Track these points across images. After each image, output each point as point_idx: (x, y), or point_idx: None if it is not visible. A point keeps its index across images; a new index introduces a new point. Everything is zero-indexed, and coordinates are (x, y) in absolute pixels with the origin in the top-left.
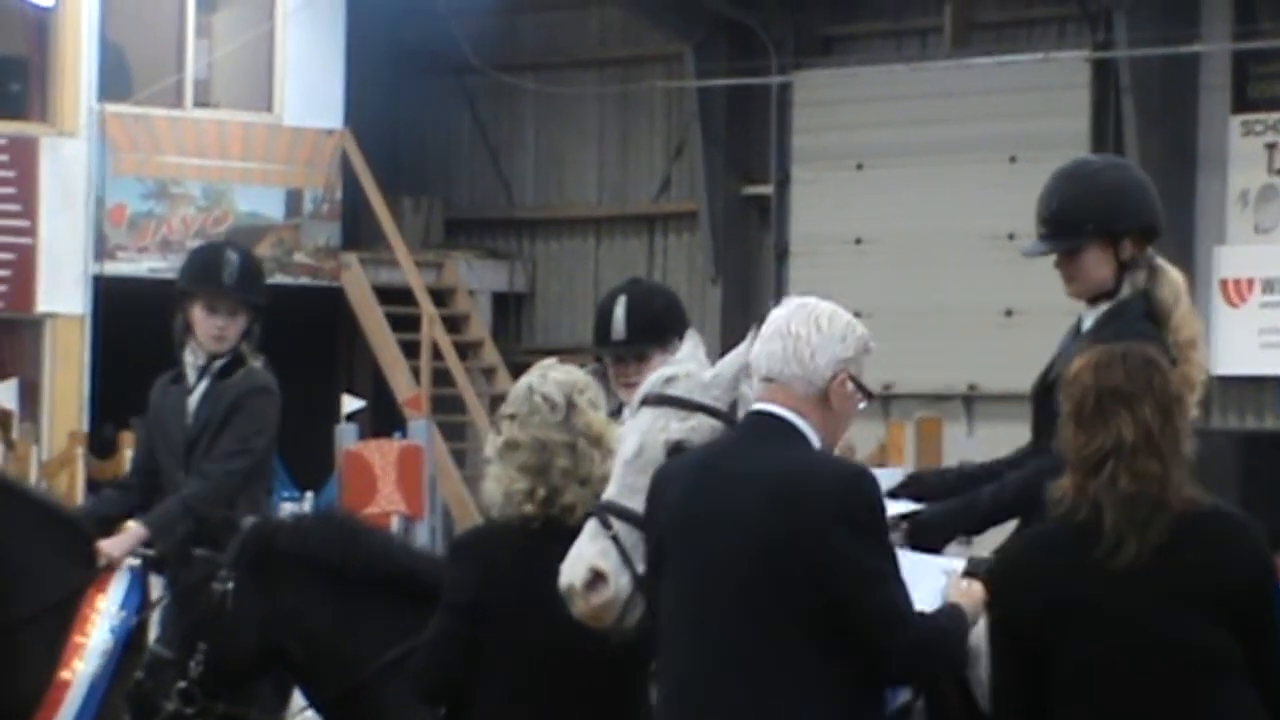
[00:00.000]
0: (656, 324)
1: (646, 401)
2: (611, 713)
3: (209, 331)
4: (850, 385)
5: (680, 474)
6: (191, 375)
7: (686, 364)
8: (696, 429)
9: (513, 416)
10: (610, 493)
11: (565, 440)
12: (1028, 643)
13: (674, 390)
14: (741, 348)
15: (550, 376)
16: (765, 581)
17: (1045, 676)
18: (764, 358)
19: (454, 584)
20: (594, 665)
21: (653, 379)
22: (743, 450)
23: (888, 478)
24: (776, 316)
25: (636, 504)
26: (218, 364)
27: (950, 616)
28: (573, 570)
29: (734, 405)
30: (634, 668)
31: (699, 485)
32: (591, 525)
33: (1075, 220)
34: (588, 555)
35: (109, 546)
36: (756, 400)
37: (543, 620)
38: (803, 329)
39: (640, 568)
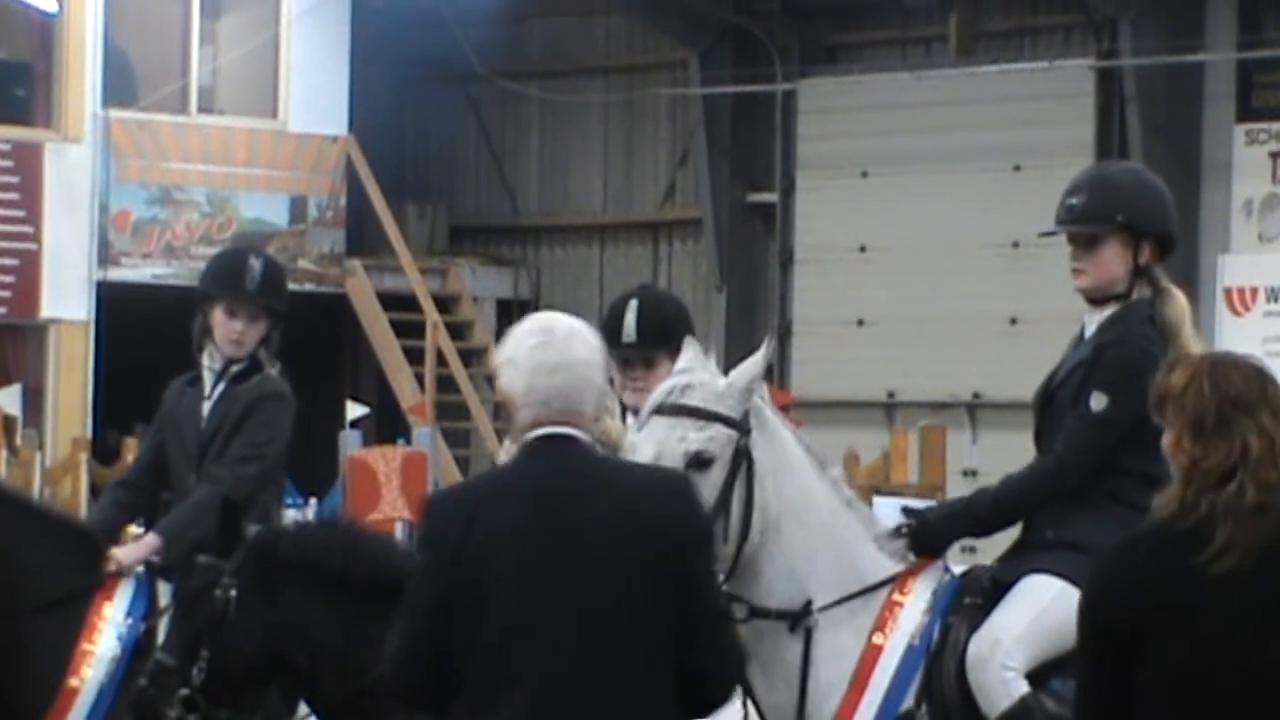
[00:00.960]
0: (666, 329)
1: (660, 411)
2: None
3: (228, 336)
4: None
5: (501, 499)
6: (208, 378)
7: (699, 373)
8: (714, 438)
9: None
10: None
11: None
12: (1119, 646)
13: (690, 400)
14: (756, 358)
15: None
16: (630, 597)
17: (1133, 683)
18: (556, 393)
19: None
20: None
21: (664, 388)
22: (573, 471)
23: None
24: (548, 345)
25: None
26: (235, 368)
27: None
28: None
29: (746, 415)
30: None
31: (535, 510)
32: None
33: (1106, 208)
34: None
35: (121, 554)
36: (536, 424)
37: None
38: (586, 353)
39: None
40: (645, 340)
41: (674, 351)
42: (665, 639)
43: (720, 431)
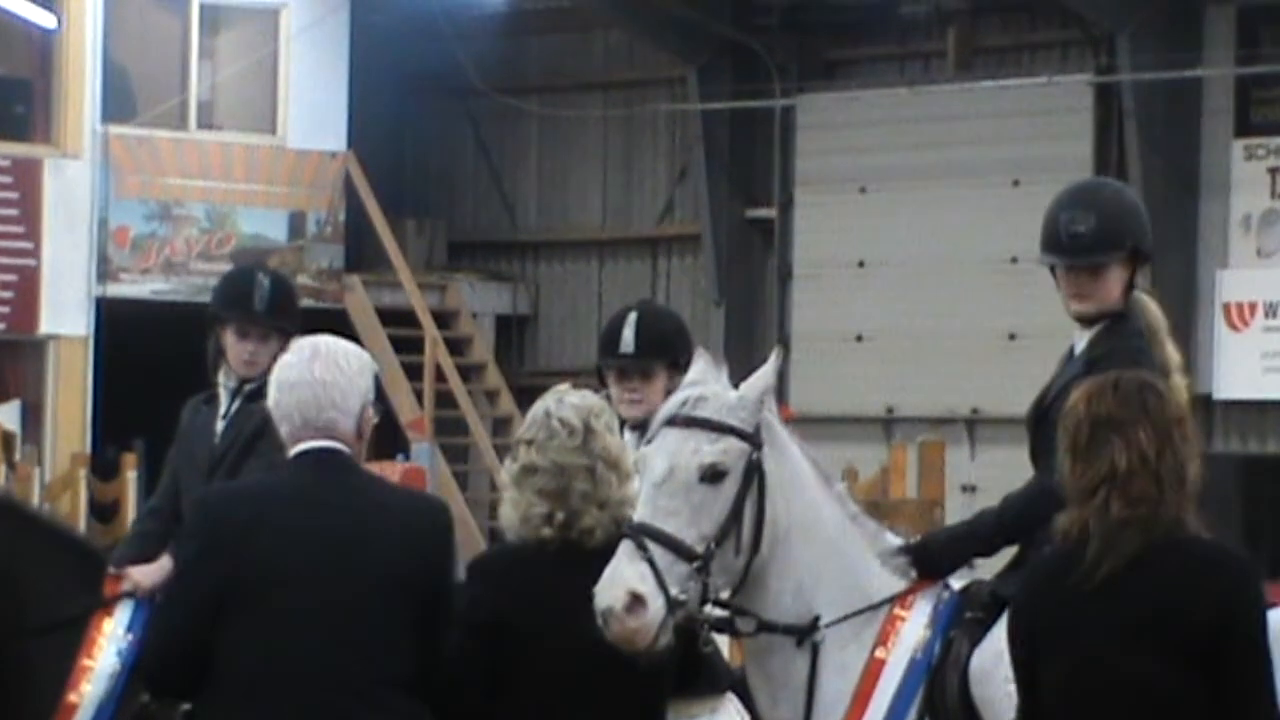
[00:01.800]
0: (664, 342)
1: (673, 422)
2: None
3: (240, 357)
4: (370, 412)
5: (262, 511)
6: (224, 397)
7: (712, 385)
8: (728, 451)
9: (530, 442)
10: (643, 515)
11: (584, 464)
12: (1026, 663)
13: (703, 412)
14: (767, 370)
15: (567, 401)
16: (382, 605)
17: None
18: (297, 407)
19: (472, 604)
20: (614, 686)
21: (677, 399)
22: (337, 484)
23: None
24: (293, 364)
25: (671, 527)
26: (249, 387)
27: None
28: (611, 593)
29: (759, 428)
30: (654, 688)
31: (306, 521)
32: (627, 547)
33: (1119, 235)
34: (626, 578)
35: (139, 575)
36: (292, 439)
37: (563, 641)
38: (327, 375)
39: (675, 591)
40: (643, 352)
41: (671, 365)
42: (409, 644)
43: (734, 444)
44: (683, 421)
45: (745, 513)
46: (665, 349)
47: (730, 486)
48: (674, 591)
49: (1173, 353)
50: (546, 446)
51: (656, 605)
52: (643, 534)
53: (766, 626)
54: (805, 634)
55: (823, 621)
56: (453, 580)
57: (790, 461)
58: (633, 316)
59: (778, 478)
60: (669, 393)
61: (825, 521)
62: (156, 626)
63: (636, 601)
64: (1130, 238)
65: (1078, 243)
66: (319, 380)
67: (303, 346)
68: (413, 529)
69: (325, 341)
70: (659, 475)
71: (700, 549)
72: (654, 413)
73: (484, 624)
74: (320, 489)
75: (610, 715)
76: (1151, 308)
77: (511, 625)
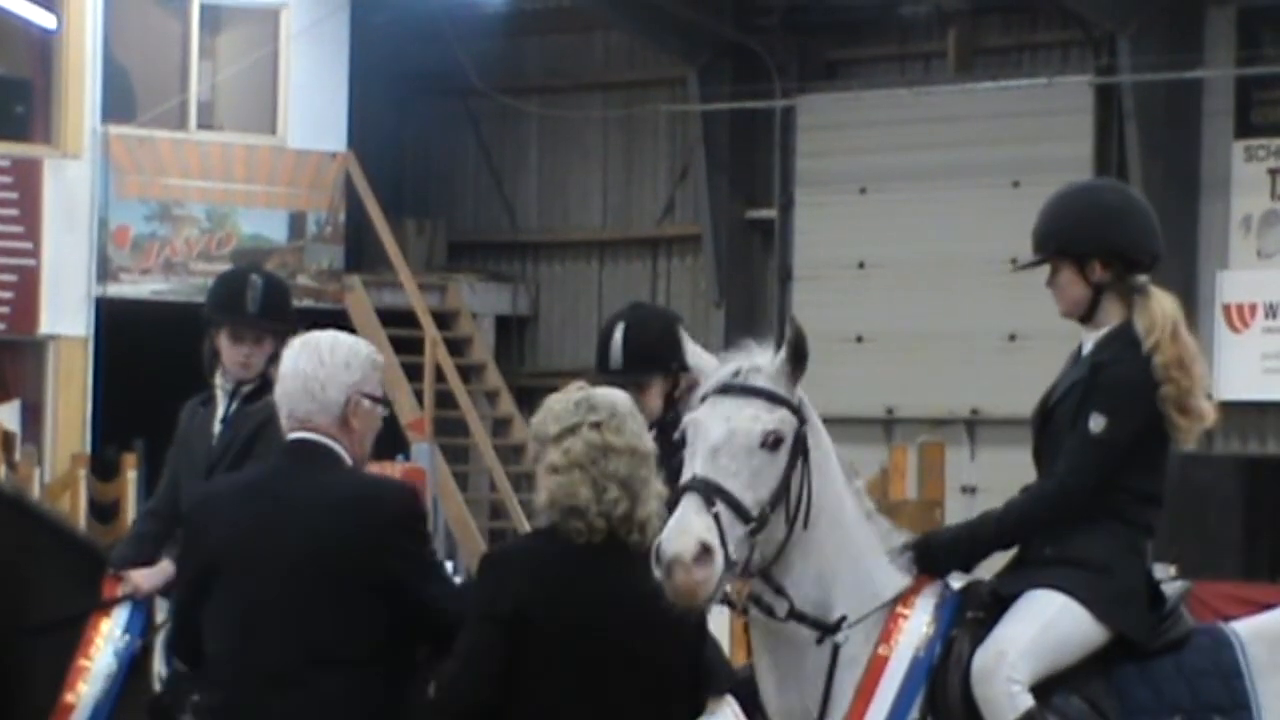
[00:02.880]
0: (653, 353)
1: (728, 390)
2: None
3: (234, 360)
4: (366, 403)
5: (227, 502)
6: (220, 399)
7: (762, 356)
8: (785, 421)
9: (598, 424)
10: (704, 470)
11: (646, 450)
12: None
13: (758, 381)
14: (781, 354)
15: (605, 391)
16: (332, 590)
17: None
18: (284, 399)
19: (491, 596)
20: (643, 677)
21: (730, 368)
22: (294, 475)
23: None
24: (285, 358)
25: (732, 487)
26: (245, 388)
27: None
28: (681, 541)
29: (801, 403)
30: (683, 678)
31: (255, 510)
32: (694, 499)
33: (1043, 239)
34: (696, 528)
35: (139, 578)
36: (291, 432)
37: (592, 633)
38: (308, 366)
39: (731, 550)
40: (632, 367)
41: (665, 372)
42: (345, 623)
43: (788, 416)
44: (739, 390)
45: (794, 484)
46: (654, 360)
47: (783, 456)
48: (730, 550)
49: (1170, 347)
50: (622, 428)
51: (720, 560)
52: (711, 490)
53: (796, 615)
54: (829, 631)
55: (837, 613)
56: (426, 560)
57: (824, 445)
58: (619, 331)
59: (816, 457)
60: (668, 395)
61: (847, 512)
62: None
63: (705, 552)
64: (1054, 240)
65: (1034, 244)
66: (300, 373)
67: (300, 343)
68: (363, 513)
69: (319, 335)
70: (719, 438)
71: (756, 513)
72: (651, 421)
73: (502, 615)
74: (275, 480)
75: (639, 705)
76: (1149, 308)
77: (537, 617)
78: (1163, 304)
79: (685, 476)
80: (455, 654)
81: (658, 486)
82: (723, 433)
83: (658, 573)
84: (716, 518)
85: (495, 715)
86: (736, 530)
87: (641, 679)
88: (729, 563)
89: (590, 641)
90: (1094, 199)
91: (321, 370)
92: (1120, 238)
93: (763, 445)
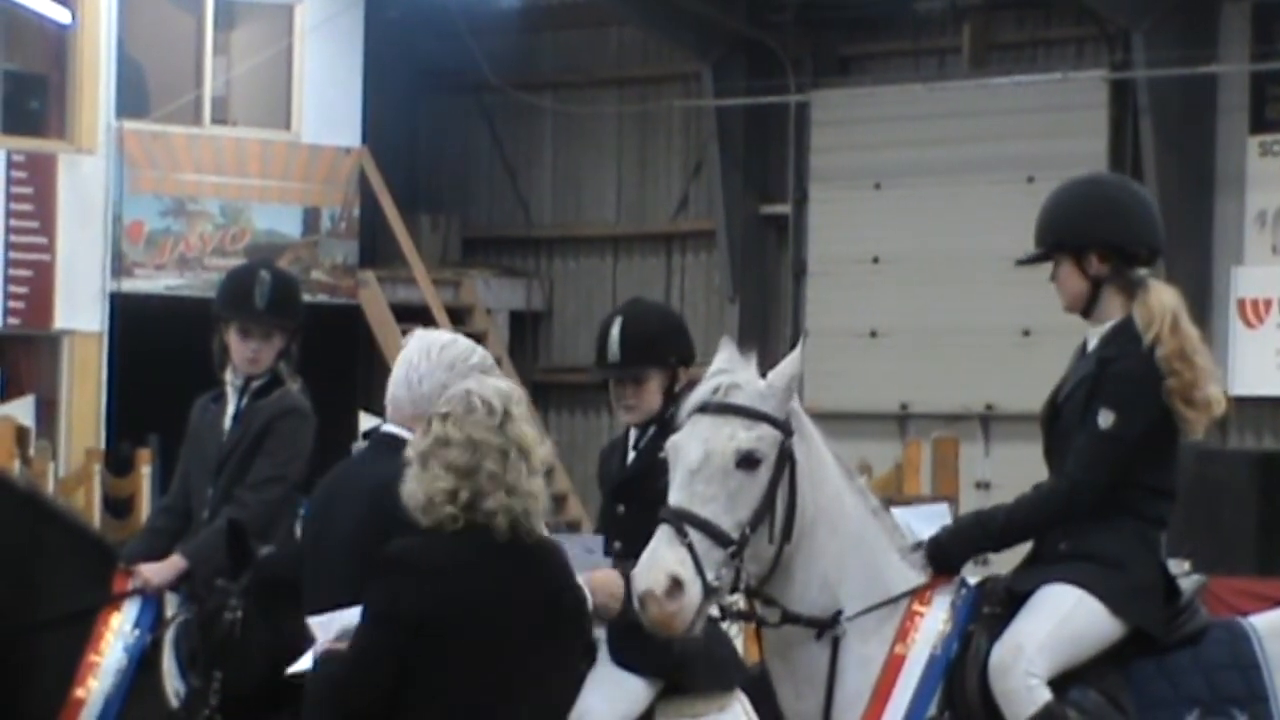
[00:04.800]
0: (651, 347)
1: (706, 409)
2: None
3: (243, 355)
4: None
5: (320, 488)
6: (230, 395)
7: (742, 373)
8: (763, 438)
9: (445, 416)
10: (680, 500)
11: (498, 444)
12: None
13: (736, 399)
14: (794, 358)
15: (489, 383)
16: (340, 578)
17: None
18: (391, 382)
19: (388, 596)
20: (528, 681)
21: (708, 386)
22: (364, 464)
23: (937, 515)
24: (406, 344)
25: (708, 512)
26: (255, 384)
27: None
28: (651, 576)
29: (789, 416)
30: (568, 684)
31: (327, 496)
32: (666, 531)
33: (1041, 233)
34: (667, 562)
35: (149, 573)
36: (389, 416)
37: (478, 636)
38: (414, 357)
39: (711, 577)
40: (630, 360)
41: (663, 366)
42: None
43: (768, 432)
44: (716, 408)
45: (778, 500)
46: (652, 353)
47: (764, 473)
48: (710, 577)
49: (1171, 340)
50: (464, 421)
51: (695, 590)
52: (682, 519)
53: (791, 618)
54: (827, 627)
55: (845, 615)
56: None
57: (816, 452)
58: (616, 326)
59: (806, 467)
60: (666, 392)
61: (849, 514)
62: None
63: (676, 586)
64: (1049, 235)
65: (1035, 239)
66: (406, 360)
67: (420, 331)
68: (377, 505)
69: (438, 333)
70: (695, 461)
71: (736, 535)
72: (650, 416)
73: (399, 616)
74: (338, 472)
75: (524, 709)
76: (1148, 301)
77: (428, 619)
78: (1161, 297)
79: (663, 507)
80: (349, 654)
81: (524, 483)
82: (699, 455)
83: (635, 605)
84: (690, 548)
85: (391, 711)
86: (716, 555)
87: (540, 674)
88: (710, 589)
89: (487, 640)
90: (1091, 192)
91: (424, 364)
92: (1116, 231)
93: (739, 465)
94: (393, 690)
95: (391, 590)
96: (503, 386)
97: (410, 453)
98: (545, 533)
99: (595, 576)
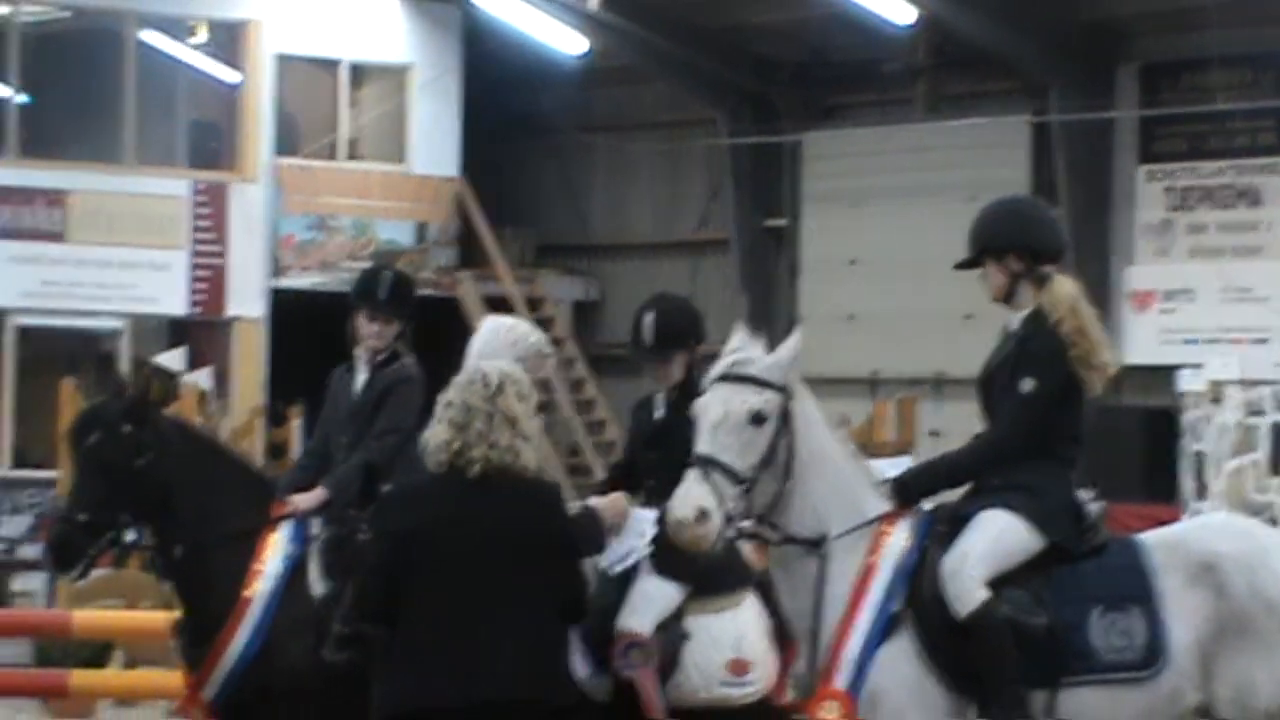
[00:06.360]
0: (677, 333)
1: (725, 378)
2: (533, 609)
3: (369, 335)
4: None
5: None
6: (359, 366)
7: (752, 350)
8: (769, 401)
9: (456, 384)
10: (704, 448)
11: (485, 410)
12: None
13: (749, 370)
14: (793, 340)
15: (496, 365)
16: None
17: None
18: (468, 355)
19: (381, 518)
20: (509, 589)
21: (727, 360)
22: None
23: (901, 465)
24: (481, 326)
25: (726, 458)
26: (378, 358)
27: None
28: (683, 508)
29: (788, 384)
30: (551, 592)
31: None
32: (694, 473)
33: (973, 240)
34: (695, 496)
35: (300, 501)
36: None
37: (452, 545)
38: (488, 334)
39: (729, 508)
40: (661, 345)
41: (684, 349)
42: None
43: (773, 396)
44: (733, 378)
45: (780, 448)
46: (677, 339)
47: (770, 428)
48: (728, 508)
49: (1071, 319)
50: (465, 390)
51: (717, 518)
52: (706, 464)
53: (789, 539)
54: (816, 545)
55: (830, 536)
56: None
57: (809, 411)
58: (649, 317)
59: (801, 423)
60: (687, 365)
61: (833, 458)
62: None
63: (703, 515)
64: (980, 241)
65: (969, 245)
66: (481, 337)
67: (491, 316)
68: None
69: (506, 318)
70: (716, 418)
71: (748, 476)
72: (676, 383)
73: (388, 534)
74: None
75: (498, 618)
76: (1054, 290)
77: (406, 536)
78: (1064, 286)
79: (692, 453)
80: (363, 567)
81: (504, 440)
82: (719, 414)
83: (670, 530)
84: (713, 486)
85: (395, 617)
86: (732, 491)
87: (503, 584)
88: (727, 517)
89: (459, 548)
90: (1009, 208)
91: (495, 341)
92: (1028, 237)
93: (751, 422)
94: (392, 596)
95: (384, 514)
96: (505, 369)
97: (436, 410)
98: (538, 478)
99: (604, 501)
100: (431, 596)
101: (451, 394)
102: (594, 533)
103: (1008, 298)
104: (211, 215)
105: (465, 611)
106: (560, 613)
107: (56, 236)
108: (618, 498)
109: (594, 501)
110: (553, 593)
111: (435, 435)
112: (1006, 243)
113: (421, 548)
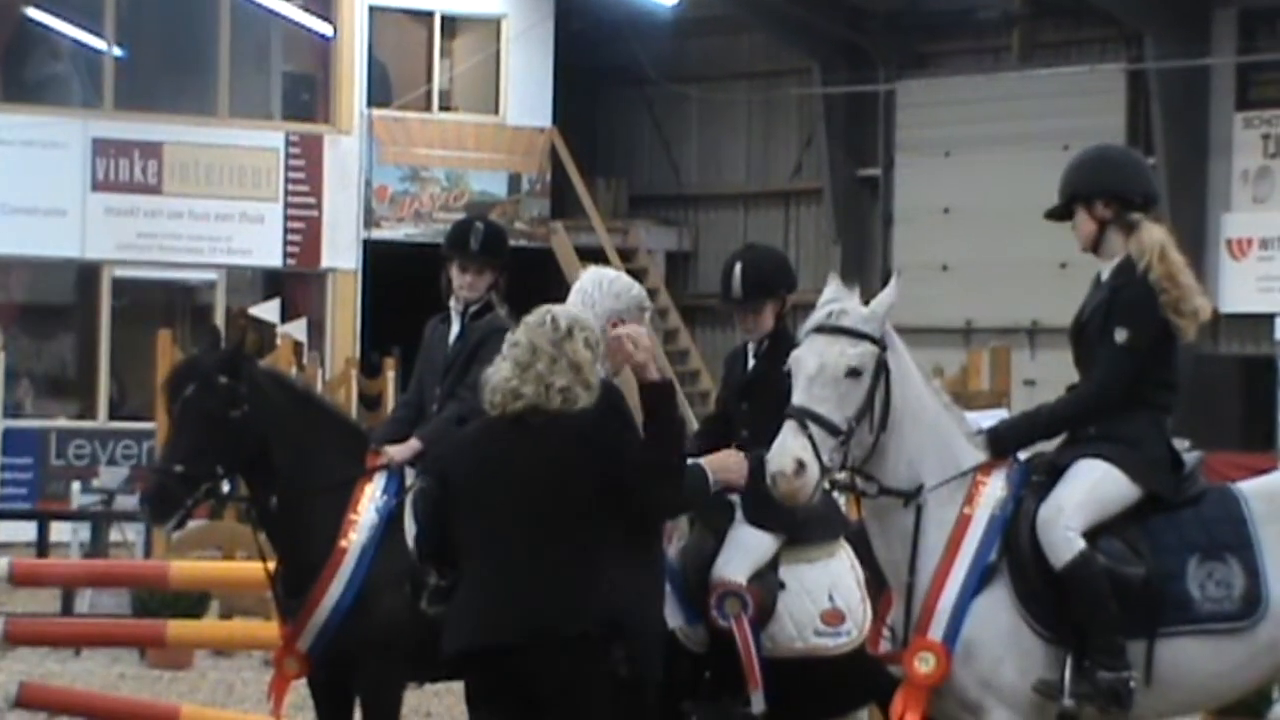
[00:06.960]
0: (766, 283)
1: (821, 330)
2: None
3: (462, 285)
4: (619, 329)
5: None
6: (454, 317)
7: (848, 301)
8: (864, 354)
9: (526, 324)
10: (801, 400)
11: (550, 353)
12: None
13: (845, 322)
14: (890, 290)
15: (567, 311)
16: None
17: None
18: (567, 304)
19: (433, 463)
20: (554, 526)
21: (822, 312)
22: None
23: (996, 416)
24: (581, 276)
25: (823, 410)
26: (472, 308)
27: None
28: (781, 459)
29: (884, 335)
30: (599, 531)
31: None
32: (791, 425)
33: (1062, 188)
34: (793, 448)
35: (394, 452)
36: None
37: (491, 490)
38: (589, 287)
39: (825, 460)
40: (750, 295)
41: (773, 298)
42: None
43: (868, 348)
44: (829, 330)
45: (876, 400)
46: (766, 289)
47: (865, 380)
48: (825, 460)
49: (1159, 265)
50: (533, 330)
51: (814, 470)
52: (803, 416)
53: (885, 490)
54: (912, 496)
55: (926, 487)
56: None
57: (904, 362)
58: (738, 268)
59: (897, 374)
60: (777, 315)
61: (928, 409)
62: None
63: (800, 467)
64: (1071, 189)
65: (1059, 193)
66: (580, 289)
67: (593, 267)
68: None
69: (607, 270)
70: (812, 370)
71: (844, 428)
72: (766, 334)
73: (437, 473)
74: None
75: (546, 554)
76: (1141, 237)
77: (451, 474)
78: (1152, 233)
79: (789, 405)
80: (418, 513)
81: (560, 382)
82: (815, 366)
83: (768, 481)
84: (810, 438)
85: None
86: (829, 443)
87: (536, 517)
88: (824, 469)
89: (489, 492)
90: (1097, 155)
91: (596, 293)
92: (1115, 181)
93: (847, 375)
94: (444, 541)
95: (435, 459)
96: (576, 315)
97: (503, 349)
98: (599, 419)
99: (715, 457)
100: (482, 538)
101: (519, 333)
102: (701, 484)
103: (1096, 246)
104: (305, 167)
105: (517, 552)
106: (622, 550)
107: (152, 189)
108: (729, 454)
109: (705, 460)
110: (607, 529)
111: (498, 372)
112: (1094, 189)
113: (468, 492)
